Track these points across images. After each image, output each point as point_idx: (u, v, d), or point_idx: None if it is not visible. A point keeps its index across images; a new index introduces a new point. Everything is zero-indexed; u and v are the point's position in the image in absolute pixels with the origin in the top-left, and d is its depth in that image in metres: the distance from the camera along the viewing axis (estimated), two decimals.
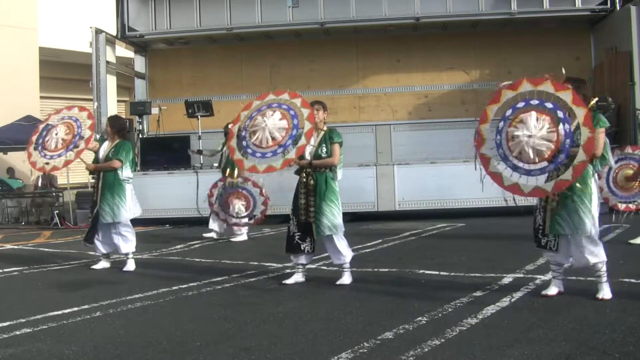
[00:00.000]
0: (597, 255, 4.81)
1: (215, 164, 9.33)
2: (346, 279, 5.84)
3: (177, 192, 11.80)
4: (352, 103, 14.04)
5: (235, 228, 9.25)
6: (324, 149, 5.82)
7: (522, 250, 7.13)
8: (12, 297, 5.85)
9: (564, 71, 4.90)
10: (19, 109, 15.73)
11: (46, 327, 4.61)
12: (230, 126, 9.18)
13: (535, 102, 4.65)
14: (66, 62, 18.31)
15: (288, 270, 6.33)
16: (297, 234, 5.85)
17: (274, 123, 5.59)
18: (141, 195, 10.50)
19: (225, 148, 9.42)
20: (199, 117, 12.63)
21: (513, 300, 4.93)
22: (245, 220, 8.96)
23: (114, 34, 13.45)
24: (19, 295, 5.92)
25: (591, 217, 4.76)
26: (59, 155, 6.84)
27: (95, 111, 12.14)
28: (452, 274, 6.13)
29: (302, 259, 5.94)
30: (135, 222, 7.31)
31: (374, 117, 13.82)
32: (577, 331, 4.04)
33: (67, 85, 19.05)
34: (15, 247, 9.74)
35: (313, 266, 6.54)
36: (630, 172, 7.73)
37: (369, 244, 8.36)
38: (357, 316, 4.64)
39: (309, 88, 13.30)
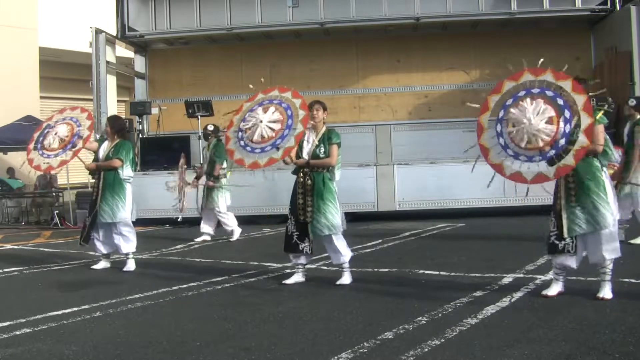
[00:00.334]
0: (614, 251, 4.80)
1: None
2: (346, 279, 5.84)
3: None
4: (352, 103, 14.04)
5: (226, 227, 9.41)
6: (322, 149, 5.81)
7: (522, 250, 7.14)
8: (12, 297, 5.85)
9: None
10: (19, 109, 15.74)
11: (46, 327, 4.62)
12: (210, 128, 9.38)
13: (536, 90, 4.67)
14: (66, 62, 18.32)
15: (288, 270, 6.33)
16: (296, 233, 5.85)
17: (268, 117, 5.62)
18: (141, 195, 10.54)
19: (206, 152, 9.46)
20: (199, 117, 12.62)
21: (513, 300, 4.93)
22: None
23: (114, 34, 13.45)
24: (19, 295, 5.92)
25: (611, 210, 4.75)
26: (56, 155, 6.84)
27: (94, 111, 12.16)
28: (452, 274, 6.13)
29: (302, 259, 5.94)
30: (135, 222, 7.30)
31: (374, 117, 13.81)
32: (577, 331, 4.04)
33: (67, 85, 19.06)
34: (15, 247, 9.74)
35: (313, 266, 6.54)
36: (611, 171, 7.82)
37: (369, 244, 8.36)
38: (357, 316, 4.64)
39: (309, 88, 13.29)
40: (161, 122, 13.55)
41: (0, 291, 6.16)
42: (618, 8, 12.34)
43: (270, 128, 5.59)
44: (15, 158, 15.24)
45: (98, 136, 7.47)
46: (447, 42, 13.68)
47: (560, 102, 4.56)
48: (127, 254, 7.10)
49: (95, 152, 7.17)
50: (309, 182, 5.80)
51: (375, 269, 6.52)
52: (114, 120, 7.43)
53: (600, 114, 4.89)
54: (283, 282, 5.95)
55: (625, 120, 8.26)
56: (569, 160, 4.52)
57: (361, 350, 3.80)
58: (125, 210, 7.02)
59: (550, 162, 4.58)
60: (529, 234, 8.16)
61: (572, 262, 4.96)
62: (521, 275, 5.83)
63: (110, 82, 12.93)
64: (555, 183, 4.94)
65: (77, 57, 16.68)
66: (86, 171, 7.55)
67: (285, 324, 4.51)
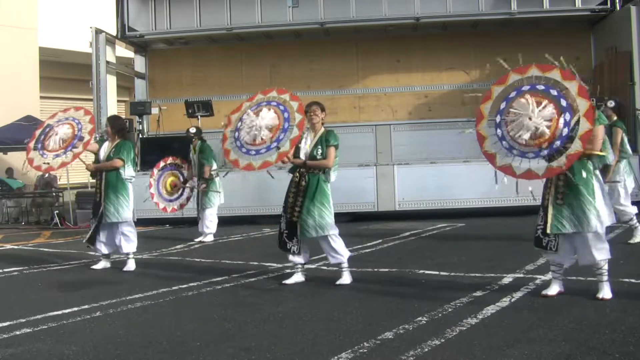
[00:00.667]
0: (602, 252, 4.80)
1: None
2: (346, 278, 5.83)
3: None
4: (352, 103, 14.04)
5: (206, 229, 9.45)
6: (319, 151, 5.81)
7: (522, 250, 7.13)
8: (12, 297, 5.85)
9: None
10: (19, 109, 15.74)
11: (46, 327, 4.62)
12: (192, 130, 9.46)
13: (541, 87, 4.67)
14: (66, 62, 18.31)
15: (288, 270, 6.33)
16: (285, 232, 5.86)
17: (265, 120, 5.64)
18: (141, 195, 10.53)
19: (192, 155, 9.46)
20: (199, 117, 12.63)
21: (513, 300, 4.93)
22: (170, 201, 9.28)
23: (114, 34, 13.45)
24: (19, 295, 5.92)
25: (596, 213, 4.75)
26: (57, 156, 6.84)
27: (94, 111, 12.16)
28: (452, 274, 6.13)
29: (300, 259, 5.93)
30: (136, 222, 7.31)
31: (374, 117, 13.81)
32: (577, 331, 4.04)
33: (67, 85, 19.06)
34: (15, 247, 9.74)
35: (313, 266, 6.54)
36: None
37: (369, 244, 8.36)
38: (357, 316, 4.64)
39: (309, 88, 13.31)
40: (161, 122, 13.55)
41: (0, 291, 6.16)
42: (618, 8, 12.34)
43: (267, 130, 5.60)
44: (15, 158, 15.26)
45: (98, 136, 7.47)
46: (447, 42, 13.69)
47: (564, 103, 4.55)
48: (127, 254, 7.10)
49: (96, 153, 7.16)
50: (303, 182, 5.80)
51: (375, 269, 6.52)
52: (114, 120, 7.42)
53: (600, 115, 4.89)
54: (283, 282, 5.95)
55: None
56: (562, 162, 4.53)
57: (361, 350, 3.80)
58: (129, 210, 7.03)
59: (544, 160, 4.60)
60: (529, 234, 8.09)
61: (560, 259, 4.99)
62: (521, 275, 5.83)
63: (110, 82, 12.93)
64: (545, 179, 4.94)
65: (77, 57, 16.67)
66: (86, 171, 7.55)
67: (285, 324, 4.51)
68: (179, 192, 9.35)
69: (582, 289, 5.09)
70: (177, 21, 13.43)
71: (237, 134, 5.75)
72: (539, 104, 4.59)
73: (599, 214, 4.77)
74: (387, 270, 6.48)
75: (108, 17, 14.62)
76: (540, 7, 12.57)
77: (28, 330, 4.54)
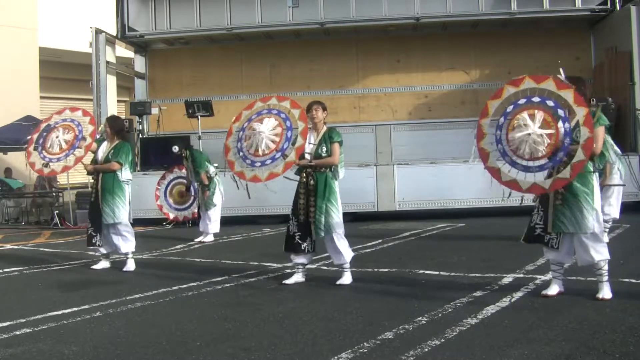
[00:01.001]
0: (600, 253, 4.80)
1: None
2: (346, 279, 5.84)
3: None
4: (352, 103, 14.03)
5: (205, 228, 9.49)
6: (324, 149, 5.82)
7: (522, 250, 7.11)
8: (12, 297, 5.85)
9: (562, 72, 4.88)
10: (19, 109, 15.73)
11: (46, 327, 4.61)
12: (176, 150, 9.53)
13: (536, 99, 4.67)
14: (66, 62, 18.32)
15: (288, 270, 6.33)
16: (297, 234, 5.84)
17: (267, 130, 5.61)
18: (141, 195, 10.56)
19: (188, 163, 9.49)
20: (199, 117, 12.62)
21: (513, 300, 4.93)
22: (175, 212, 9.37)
23: (114, 34, 13.44)
24: (19, 295, 5.92)
25: (594, 214, 4.76)
26: (58, 159, 6.85)
27: (94, 111, 12.16)
28: (452, 274, 6.13)
29: (302, 259, 5.93)
30: (135, 222, 7.31)
31: (374, 117, 13.81)
32: (577, 331, 4.04)
33: (67, 85, 19.06)
34: (15, 247, 9.74)
35: (313, 266, 6.54)
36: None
37: (369, 244, 8.36)
38: (357, 316, 4.64)
39: (309, 88, 13.31)
40: (161, 122, 13.55)
41: (0, 291, 6.16)
42: (618, 8, 12.33)
43: (270, 141, 5.58)
44: (15, 158, 15.27)
45: (98, 136, 7.47)
46: (447, 42, 13.68)
47: (561, 113, 4.56)
48: (126, 254, 7.10)
49: (94, 153, 7.16)
50: (312, 182, 5.80)
51: (375, 269, 6.52)
52: (113, 120, 7.42)
53: (601, 115, 4.89)
54: (283, 282, 5.95)
55: None
56: (567, 173, 4.55)
57: (361, 350, 3.80)
58: (125, 210, 7.03)
59: (548, 174, 4.61)
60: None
61: (562, 258, 4.99)
62: (521, 275, 5.83)
63: (110, 82, 12.93)
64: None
65: (77, 57, 16.68)
66: (86, 171, 7.55)
67: (285, 324, 4.51)
68: (190, 202, 9.38)
69: (582, 289, 5.09)
70: (177, 21, 13.42)
71: (239, 144, 5.73)
72: (539, 119, 4.59)
73: (597, 215, 4.78)
74: (387, 270, 6.48)
75: (108, 17, 14.62)
76: (540, 7, 12.56)
77: (28, 330, 4.54)
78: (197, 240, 9.44)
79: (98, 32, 12.55)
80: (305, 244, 5.84)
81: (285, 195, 6.23)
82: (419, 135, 12.95)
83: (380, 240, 8.78)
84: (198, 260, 7.69)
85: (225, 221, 10.10)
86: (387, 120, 13.55)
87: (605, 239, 6.91)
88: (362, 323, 4.44)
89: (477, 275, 5.98)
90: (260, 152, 5.59)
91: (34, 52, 17.49)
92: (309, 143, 5.81)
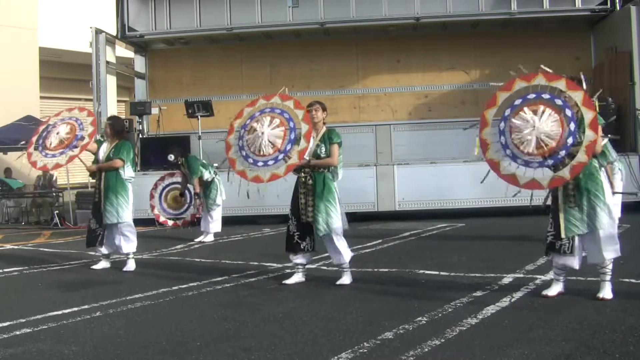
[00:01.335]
0: (613, 251, 4.79)
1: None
2: (346, 279, 5.83)
3: None
4: (352, 103, 14.04)
5: (206, 228, 9.51)
6: (323, 149, 5.81)
7: (522, 250, 7.14)
8: (12, 297, 5.85)
9: (582, 77, 4.85)
10: (19, 109, 15.73)
11: (46, 327, 4.61)
12: (171, 158, 9.53)
13: (546, 96, 4.66)
14: (66, 62, 18.31)
15: (288, 270, 6.33)
16: (297, 233, 5.84)
17: (270, 129, 5.59)
18: (141, 195, 10.52)
19: (184, 169, 9.49)
20: (199, 117, 12.63)
21: (513, 300, 4.93)
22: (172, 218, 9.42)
23: (114, 34, 13.45)
24: (19, 295, 5.92)
25: (607, 209, 4.75)
26: (53, 156, 6.82)
27: (94, 111, 12.16)
28: (452, 274, 6.13)
29: (301, 259, 5.93)
30: (135, 222, 7.30)
31: (374, 117, 13.81)
32: (577, 331, 4.04)
33: (67, 85, 19.06)
34: (15, 247, 9.74)
35: (313, 266, 6.54)
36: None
37: (369, 244, 8.36)
38: (357, 316, 4.64)
39: (309, 88, 13.31)
40: (161, 122, 13.55)
41: (0, 291, 6.16)
42: (618, 8, 12.34)
43: (273, 142, 5.55)
44: (15, 158, 15.25)
45: (99, 136, 7.47)
46: (447, 42, 13.68)
47: (569, 113, 4.55)
48: (127, 254, 7.10)
49: (95, 154, 7.16)
50: (310, 182, 5.80)
51: (375, 269, 6.52)
52: (113, 120, 7.41)
53: (597, 115, 4.88)
54: (283, 282, 5.94)
55: None
56: (566, 172, 4.54)
57: (361, 350, 3.80)
58: (128, 210, 7.02)
59: (547, 170, 4.60)
60: (529, 234, 8.16)
61: (572, 262, 4.94)
62: (521, 275, 5.83)
63: (110, 82, 12.94)
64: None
65: (77, 57, 16.67)
66: (86, 171, 7.54)
67: (285, 324, 4.51)
68: (184, 208, 9.44)
69: (582, 289, 5.09)
70: (177, 21, 13.43)
71: (241, 142, 5.70)
72: (539, 112, 4.58)
73: (610, 211, 4.77)
74: (387, 270, 6.48)
75: (108, 17, 14.62)
76: (540, 7, 12.57)
77: (28, 330, 4.54)
78: (197, 240, 9.45)
79: (98, 32, 12.56)
80: (304, 243, 5.83)
81: (286, 196, 6.23)
82: (419, 135, 12.95)
83: (380, 240, 8.78)
84: (198, 260, 7.70)
85: (225, 221, 10.10)
86: (387, 120, 13.56)
87: None
88: (362, 323, 4.44)
89: (477, 275, 5.98)
90: (262, 152, 5.56)
91: (34, 52, 17.49)
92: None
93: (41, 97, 17.80)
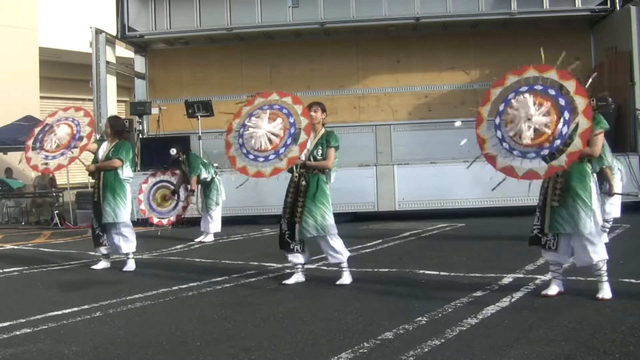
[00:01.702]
0: (598, 253, 4.80)
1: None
2: (346, 278, 5.83)
3: None
4: (352, 103, 14.03)
5: (206, 228, 9.51)
6: (320, 151, 5.80)
7: (522, 250, 7.11)
8: (12, 297, 5.85)
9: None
10: (19, 109, 15.74)
11: (46, 327, 4.61)
12: (173, 153, 9.52)
13: (539, 87, 4.68)
14: (66, 62, 18.32)
15: (288, 270, 6.32)
16: (287, 232, 5.85)
17: (269, 125, 5.58)
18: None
19: (184, 167, 9.46)
20: (199, 117, 12.63)
21: (513, 300, 4.93)
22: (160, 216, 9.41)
23: (114, 34, 13.45)
24: (19, 295, 5.92)
25: (592, 215, 4.76)
26: (54, 157, 6.82)
27: (94, 111, 12.16)
28: (452, 274, 6.13)
29: (300, 259, 5.92)
30: (135, 222, 7.30)
31: (374, 117, 13.81)
32: (577, 331, 4.04)
33: (67, 85, 19.06)
34: (15, 247, 9.74)
35: (313, 266, 6.54)
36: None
37: (369, 244, 8.36)
38: (357, 316, 4.64)
39: (309, 88, 13.31)
40: (161, 122, 13.55)
41: (0, 291, 6.16)
42: (618, 8, 12.34)
43: (274, 136, 5.55)
44: (15, 158, 15.24)
45: (98, 136, 7.46)
46: (447, 42, 13.68)
47: (562, 102, 4.56)
48: (127, 254, 7.10)
49: (95, 153, 7.16)
50: (303, 182, 5.79)
51: (375, 269, 6.52)
52: (113, 120, 7.41)
53: (601, 119, 4.89)
54: (283, 282, 5.94)
55: None
56: (562, 160, 4.54)
57: (361, 350, 3.80)
58: (126, 211, 7.02)
59: (544, 160, 4.60)
60: (528, 234, 8.15)
61: (560, 259, 4.99)
62: (521, 275, 5.84)
63: (110, 82, 12.93)
64: (542, 180, 4.95)
65: (77, 57, 16.68)
66: (86, 171, 7.54)
67: (285, 324, 4.51)
68: (174, 205, 9.41)
69: (582, 289, 5.09)
70: (177, 21, 13.42)
71: (241, 140, 5.70)
72: (539, 104, 4.60)
73: (595, 216, 4.79)
74: (387, 270, 6.48)
75: (108, 17, 14.62)
76: (540, 7, 12.56)
77: (28, 330, 4.54)
78: (197, 240, 9.45)
79: (98, 32, 12.55)
80: (293, 244, 5.83)
81: (275, 197, 6.20)
82: (419, 135, 12.95)
83: (380, 240, 8.78)
84: (198, 260, 7.70)
85: (225, 221, 10.11)
86: (387, 120, 13.56)
87: (605, 239, 6.90)
88: (362, 323, 4.44)
89: (477, 275, 5.98)
90: (263, 148, 5.55)
91: (34, 52, 17.49)
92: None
93: (41, 97, 17.80)
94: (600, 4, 12.50)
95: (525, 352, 3.66)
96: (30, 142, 7.04)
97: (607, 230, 7.23)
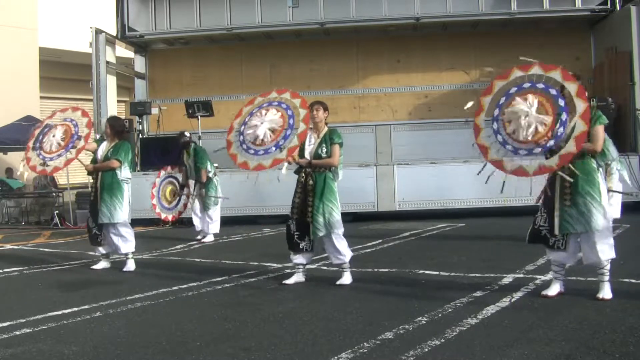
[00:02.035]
0: (607, 252, 4.79)
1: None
2: (346, 279, 5.83)
3: None
4: (352, 103, 14.04)
5: (205, 228, 9.51)
6: (324, 149, 5.81)
7: (522, 250, 7.13)
8: (12, 297, 5.85)
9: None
10: (19, 109, 15.73)
11: (46, 327, 4.61)
12: (187, 135, 9.51)
13: (541, 85, 4.69)
14: (66, 62, 18.31)
15: (288, 270, 6.33)
16: (297, 233, 5.85)
17: (268, 119, 5.65)
18: (141, 195, 10.53)
19: (187, 159, 9.46)
20: (199, 117, 12.63)
21: (513, 300, 4.93)
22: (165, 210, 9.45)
23: (114, 34, 13.46)
24: (19, 295, 5.92)
25: (602, 210, 4.75)
26: (52, 159, 6.82)
27: (94, 112, 12.17)
28: (452, 274, 6.13)
29: (302, 259, 5.93)
30: (135, 222, 7.31)
31: (374, 117, 13.81)
32: (577, 331, 4.04)
33: (67, 85, 19.05)
34: (15, 247, 9.74)
35: (313, 266, 6.54)
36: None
37: (369, 244, 8.36)
38: (357, 316, 4.64)
39: (309, 88, 13.30)
40: (161, 122, 13.55)
41: (0, 291, 6.16)
42: (618, 8, 12.34)
43: (272, 129, 5.60)
44: (15, 158, 15.25)
45: (98, 136, 7.46)
46: (447, 42, 13.69)
47: (561, 103, 4.57)
48: (126, 254, 7.10)
49: (94, 153, 7.16)
50: (311, 182, 5.80)
51: (375, 269, 6.52)
52: (113, 121, 7.41)
53: (600, 115, 4.89)
54: (283, 282, 5.94)
55: None
56: (554, 161, 4.60)
57: (361, 350, 3.80)
58: (123, 211, 7.00)
59: (551, 152, 4.62)
60: (527, 233, 8.15)
61: (566, 259, 4.98)
62: (521, 275, 5.83)
63: (110, 82, 12.94)
64: (549, 179, 4.95)
65: (77, 57, 16.67)
66: (86, 171, 7.54)
67: (285, 324, 4.51)
68: (177, 200, 9.48)
69: (582, 289, 5.10)
70: (177, 21, 13.43)
71: (242, 137, 5.74)
72: (529, 100, 4.62)
73: (605, 212, 4.77)
74: (387, 270, 6.48)
75: (108, 17, 14.62)
76: (540, 7, 12.57)
77: (28, 330, 4.54)
78: (197, 240, 9.44)
79: (98, 32, 12.56)
80: (303, 243, 5.84)
81: (286, 195, 6.23)
82: (419, 135, 12.95)
83: (380, 240, 8.78)
84: (198, 260, 7.69)
85: (225, 221, 10.11)
86: (387, 120, 13.56)
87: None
88: (362, 323, 4.44)
89: (477, 275, 5.98)
90: (264, 141, 5.60)
91: (34, 52, 17.48)
92: (309, 144, 5.82)
93: (41, 97, 17.79)
94: (600, 4, 12.51)
95: (525, 352, 3.66)
96: (30, 143, 7.06)
97: None
